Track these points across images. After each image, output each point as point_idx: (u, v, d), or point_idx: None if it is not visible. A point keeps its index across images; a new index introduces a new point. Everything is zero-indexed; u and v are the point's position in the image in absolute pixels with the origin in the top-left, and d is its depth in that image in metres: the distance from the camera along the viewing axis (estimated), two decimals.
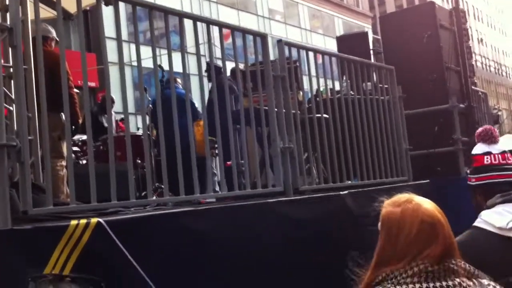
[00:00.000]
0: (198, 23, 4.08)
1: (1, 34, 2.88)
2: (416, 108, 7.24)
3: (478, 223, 2.70)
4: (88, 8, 7.49)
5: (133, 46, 3.92)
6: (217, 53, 5.07)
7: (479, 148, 2.94)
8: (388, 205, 2.03)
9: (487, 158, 2.87)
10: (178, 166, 3.60)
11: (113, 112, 8.72)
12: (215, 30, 4.24)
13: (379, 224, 2.05)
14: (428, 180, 6.21)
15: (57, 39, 5.43)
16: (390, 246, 1.95)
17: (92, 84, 18.64)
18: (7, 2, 3.68)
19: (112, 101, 8.44)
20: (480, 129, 2.97)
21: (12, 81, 3.33)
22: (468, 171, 3.00)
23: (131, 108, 11.29)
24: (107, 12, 3.80)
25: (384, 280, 1.89)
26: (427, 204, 2.01)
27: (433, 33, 7.61)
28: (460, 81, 7.94)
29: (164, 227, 3.22)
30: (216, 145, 4.44)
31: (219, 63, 4.77)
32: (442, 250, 1.92)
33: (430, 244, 1.91)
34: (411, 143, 6.39)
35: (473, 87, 8.22)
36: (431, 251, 1.89)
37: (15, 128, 3.16)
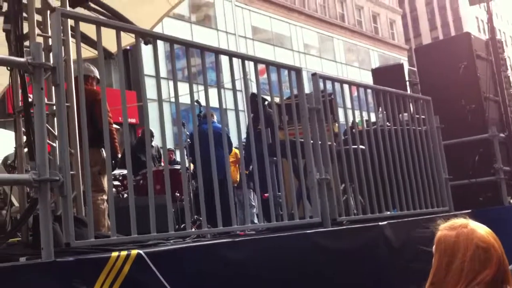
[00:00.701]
0: (234, 59, 4.17)
1: (44, 74, 3.00)
2: (455, 138, 7.16)
3: None
4: (128, 47, 7.72)
5: (171, 83, 4.02)
6: (253, 88, 5.15)
7: None
8: (444, 229, 2.06)
9: None
10: (215, 197, 3.64)
11: (153, 144, 8.90)
12: (251, 65, 4.32)
13: (433, 247, 2.05)
14: (470, 210, 6.11)
15: (98, 77, 5.63)
16: (444, 270, 1.96)
17: (132, 120, 19.06)
18: (50, 43, 3.85)
19: (152, 135, 8.67)
20: None
21: (55, 118, 3.47)
22: None
23: (170, 143, 11.50)
24: (146, 51, 3.94)
25: None
26: (481, 230, 2.03)
27: (469, 63, 7.57)
28: (499, 110, 7.83)
29: (202, 258, 3.26)
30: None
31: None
32: (495, 275, 1.90)
33: (484, 269, 1.92)
34: (451, 173, 6.30)
35: None
36: (484, 276, 1.90)
37: (58, 163, 3.26)
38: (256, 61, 4.36)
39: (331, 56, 36.22)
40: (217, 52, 4.06)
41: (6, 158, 7.26)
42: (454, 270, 1.93)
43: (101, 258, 2.79)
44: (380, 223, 4.68)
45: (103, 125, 3.26)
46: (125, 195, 6.95)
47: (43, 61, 2.90)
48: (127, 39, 5.25)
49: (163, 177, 3.65)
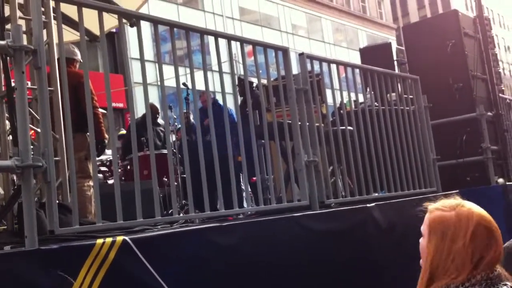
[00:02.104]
0: (220, 41, 4.10)
1: (26, 57, 2.93)
2: (443, 118, 7.15)
3: None
4: (114, 30, 7.60)
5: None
6: (240, 70, 5.08)
7: None
8: (437, 210, 1.95)
9: None
10: (202, 182, 3.60)
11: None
12: (238, 47, 4.26)
13: (426, 231, 1.96)
14: (457, 191, 6.12)
15: (81, 61, 5.54)
16: (445, 254, 1.85)
17: (119, 104, 18.90)
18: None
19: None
20: None
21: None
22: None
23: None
24: (132, 33, 3.85)
25: None
26: (478, 208, 1.94)
27: (457, 41, 7.55)
28: (487, 89, 7.83)
29: (189, 243, 3.22)
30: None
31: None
32: (500, 254, 1.84)
33: (489, 249, 1.84)
34: (438, 153, 6.30)
35: (500, 94, 8.09)
36: (492, 257, 1.83)
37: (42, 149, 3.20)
38: (242, 41, 4.29)
39: (319, 37, 36.07)
40: (203, 32, 3.98)
41: None
42: (457, 253, 1.83)
43: (86, 245, 2.74)
44: (368, 205, 4.67)
45: (84, 108, 3.19)
46: (112, 181, 6.89)
47: (24, 43, 2.83)
48: (112, 21, 5.16)
49: (150, 162, 3.59)
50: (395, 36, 39.69)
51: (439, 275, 1.84)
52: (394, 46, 9.54)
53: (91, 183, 5.19)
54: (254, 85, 6.53)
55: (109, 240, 2.79)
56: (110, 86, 3.46)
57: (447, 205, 1.95)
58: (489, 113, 7.39)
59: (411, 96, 6.11)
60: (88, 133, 5.02)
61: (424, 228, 1.97)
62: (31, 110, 3.77)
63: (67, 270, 2.60)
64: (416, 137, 5.92)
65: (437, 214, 1.94)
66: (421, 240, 2.00)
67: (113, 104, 3.63)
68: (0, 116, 4.51)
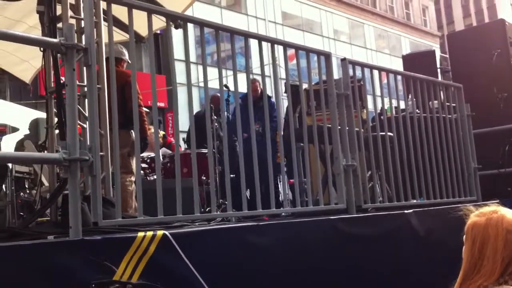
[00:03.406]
0: (263, 44, 4.16)
1: (77, 55, 3.05)
2: (486, 127, 7.05)
3: None
4: (159, 31, 7.77)
5: (200, 68, 4.03)
6: (282, 73, 5.14)
7: None
8: (474, 216, 2.06)
9: None
10: (241, 182, 3.67)
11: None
12: (281, 51, 4.31)
13: (464, 236, 2.04)
14: (497, 200, 6.02)
15: (129, 61, 5.69)
16: (476, 258, 1.95)
17: (161, 104, 19.20)
18: (83, 25, 3.91)
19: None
20: None
21: (86, 100, 3.52)
22: None
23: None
24: (177, 35, 3.95)
25: None
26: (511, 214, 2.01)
27: (503, 51, 7.42)
28: None
29: (226, 241, 3.29)
30: None
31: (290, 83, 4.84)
32: None
33: None
34: (480, 162, 6.22)
35: None
36: None
37: (88, 144, 3.32)
38: (286, 45, 4.34)
39: (362, 43, 35.84)
40: (247, 35, 4.05)
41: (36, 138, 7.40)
42: (487, 258, 1.92)
43: (128, 237, 2.84)
44: (406, 211, 4.65)
45: (132, 107, 3.30)
46: (153, 178, 7.03)
47: (76, 42, 2.95)
48: (158, 23, 5.30)
49: (190, 160, 3.68)
50: (439, 44, 39.14)
51: (472, 278, 1.90)
52: (438, 54, 9.43)
53: (133, 178, 5.33)
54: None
55: (150, 233, 2.88)
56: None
57: (482, 212, 2.04)
58: None
59: (454, 104, 6.05)
60: (132, 131, 5.16)
61: (464, 234, 2.06)
62: (78, 106, 3.91)
63: (110, 260, 2.69)
64: (458, 146, 5.86)
65: (472, 221, 2.04)
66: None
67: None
68: (49, 111, 4.69)
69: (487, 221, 1.99)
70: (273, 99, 7.70)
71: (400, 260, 4.39)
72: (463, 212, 2.17)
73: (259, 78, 4.14)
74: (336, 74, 4.75)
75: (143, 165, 7.25)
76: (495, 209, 2.04)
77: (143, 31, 5.75)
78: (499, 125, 7.12)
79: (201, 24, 3.77)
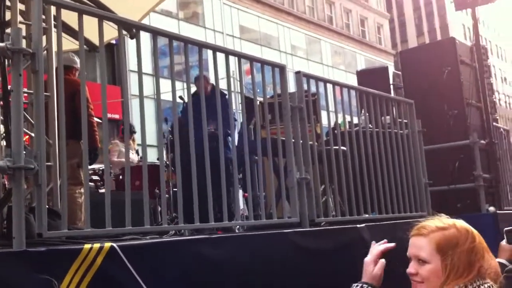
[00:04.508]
0: (218, 55, 4.13)
1: (24, 61, 2.95)
2: (436, 143, 7.20)
3: None
4: (114, 41, 7.65)
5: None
6: (237, 86, 5.11)
7: None
8: (437, 231, 2.09)
9: None
10: (193, 193, 3.61)
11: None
12: (236, 63, 4.28)
13: (433, 253, 2.06)
14: (447, 217, 6.13)
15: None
16: (462, 266, 2.01)
17: (115, 116, 18.91)
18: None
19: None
20: None
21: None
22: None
23: (152, 140, 11.50)
24: (132, 46, 3.86)
25: None
26: (471, 227, 2.14)
27: (453, 68, 7.63)
28: (481, 117, 7.90)
29: (177, 253, 3.22)
30: None
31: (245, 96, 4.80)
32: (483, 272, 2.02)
33: (489, 259, 2.04)
34: (430, 178, 6.33)
35: (494, 123, 8.15)
36: (494, 263, 2.05)
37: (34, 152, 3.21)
38: (240, 56, 4.31)
39: (318, 58, 36.34)
40: (201, 45, 4.01)
41: None
42: (463, 261, 2.00)
43: (73, 249, 2.74)
44: (358, 226, 4.68)
45: (80, 115, 3.21)
46: (103, 190, 6.88)
47: (23, 46, 2.86)
48: (113, 33, 5.20)
49: (142, 173, 3.60)
50: (393, 61, 40.02)
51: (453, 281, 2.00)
52: (391, 70, 9.62)
53: (82, 190, 5.19)
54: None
55: (96, 245, 2.79)
56: (107, 97, 3.48)
57: (444, 224, 2.09)
58: (482, 141, 7.44)
59: (406, 120, 6.15)
60: (82, 141, 5.04)
61: (427, 252, 2.07)
62: (26, 114, 3.79)
63: (54, 273, 2.59)
64: (409, 161, 5.95)
65: (439, 235, 2.07)
66: (413, 266, 2.09)
67: (109, 115, 3.63)
68: None
69: (457, 229, 2.08)
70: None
71: (353, 273, 4.39)
72: (415, 226, 2.19)
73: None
74: (292, 88, 4.76)
75: (95, 177, 7.10)
76: (452, 220, 2.13)
77: (96, 40, 5.63)
78: (449, 142, 7.29)
79: (154, 32, 3.72)
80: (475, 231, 2.12)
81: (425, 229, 2.12)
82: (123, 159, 8.11)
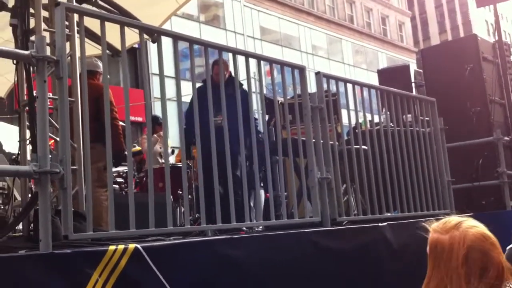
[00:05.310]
0: (239, 57, 4.17)
1: (49, 68, 3.03)
2: (459, 141, 7.14)
3: None
4: (137, 46, 7.74)
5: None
6: (258, 87, 5.14)
7: None
8: (436, 231, 2.04)
9: None
10: (215, 195, 3.66)
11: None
12: (256, 65, 4.32)
13: (427, 249, 2.03)
14: (471, 214, 6.09)
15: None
16: (441, 275, 1.95)
17: (139, 118, 19.11)
18: None
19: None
20: None
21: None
22: None
23: (175, 142, 11.60)
24: (155, 49, 3.93)
25: None
26: (475, 229, 2.00)
27: (475, 65, 7.56)
28: (504, 113, 7.82)
29: (200, 254, 3.27)
30: None
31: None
32: (497, 276, 1.88)
33: (483, 273, 1.90)
34: (454, 176, 6.28)
35: None
36: (488, 279, 1.89)
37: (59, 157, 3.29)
38: (260, 58, 4.36)
39: (339, 58, 36.19)
40: (220, 49, 4.06)
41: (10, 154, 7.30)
42: (452, 275, 1.92)
43: (98, 251, 2.81)
44: (380, 224, 4.68)
45: (104, 119, 3.28)
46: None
47: (47, 54, 2.93)
48: (135, 37, 5.29)
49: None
50: (415, 59, 39.64)
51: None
52: (413, 68, 9.56)
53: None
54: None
55: (121, 247, 2.85)
56: (130, 100, 3.53)
57: (444, 228, 2.02)
58: (506, 138, 7.36)
59: (427, 118, 6.13)
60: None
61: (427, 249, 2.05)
62: (51, 119, 3.87)
63: (79, 274, 2.66)
64: (431, 159, 5.92)
65: (434, 237, 2.02)
66: None
67: (132, 118, 3.70)
68: (22, 124, 4.63)
69: (450, 239, 1.98)
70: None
71: (375, 273, 4.40)
72: (426, 225, 2.16)
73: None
74: (312, 88, 4.78)
75: (120, 179, 7.20)
76: (457, 224, 2.02)
77: (119, 44, 5.73)
78: (472, 139, 7.22)
79: (175, 37, 3.77)
80: (476, 244, 1.99)
81: (430, 227, 2.10)
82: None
